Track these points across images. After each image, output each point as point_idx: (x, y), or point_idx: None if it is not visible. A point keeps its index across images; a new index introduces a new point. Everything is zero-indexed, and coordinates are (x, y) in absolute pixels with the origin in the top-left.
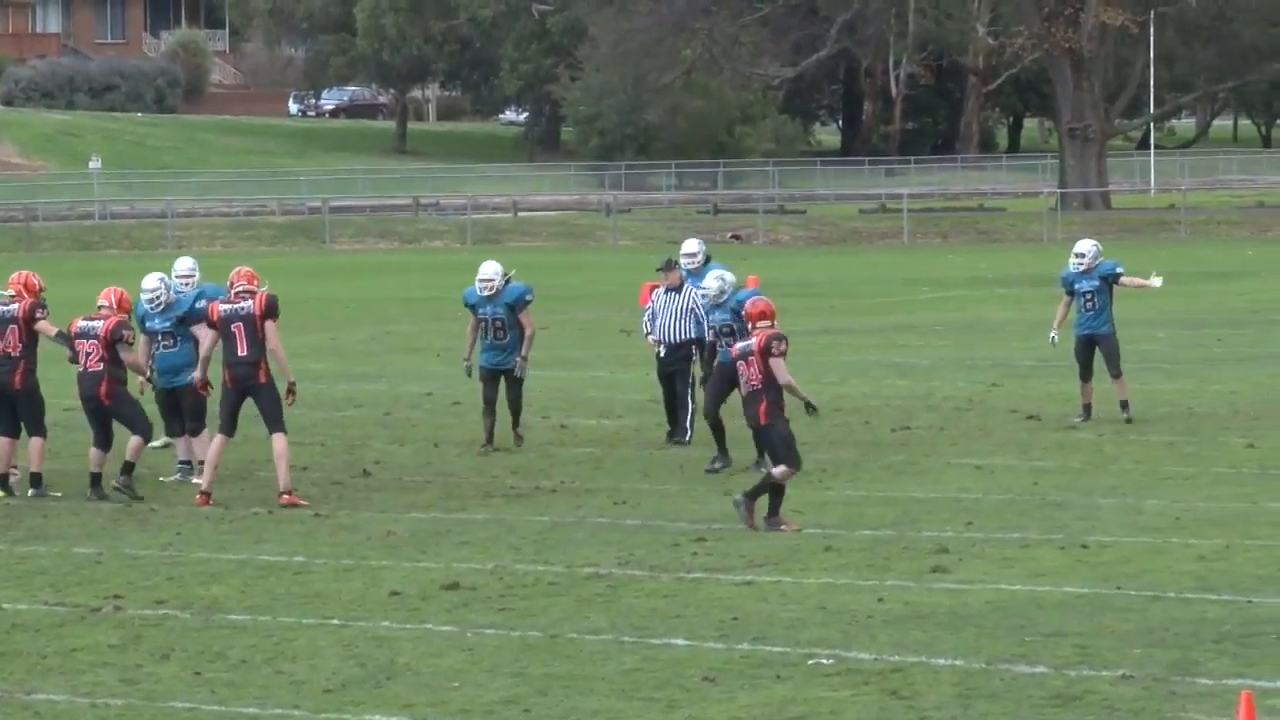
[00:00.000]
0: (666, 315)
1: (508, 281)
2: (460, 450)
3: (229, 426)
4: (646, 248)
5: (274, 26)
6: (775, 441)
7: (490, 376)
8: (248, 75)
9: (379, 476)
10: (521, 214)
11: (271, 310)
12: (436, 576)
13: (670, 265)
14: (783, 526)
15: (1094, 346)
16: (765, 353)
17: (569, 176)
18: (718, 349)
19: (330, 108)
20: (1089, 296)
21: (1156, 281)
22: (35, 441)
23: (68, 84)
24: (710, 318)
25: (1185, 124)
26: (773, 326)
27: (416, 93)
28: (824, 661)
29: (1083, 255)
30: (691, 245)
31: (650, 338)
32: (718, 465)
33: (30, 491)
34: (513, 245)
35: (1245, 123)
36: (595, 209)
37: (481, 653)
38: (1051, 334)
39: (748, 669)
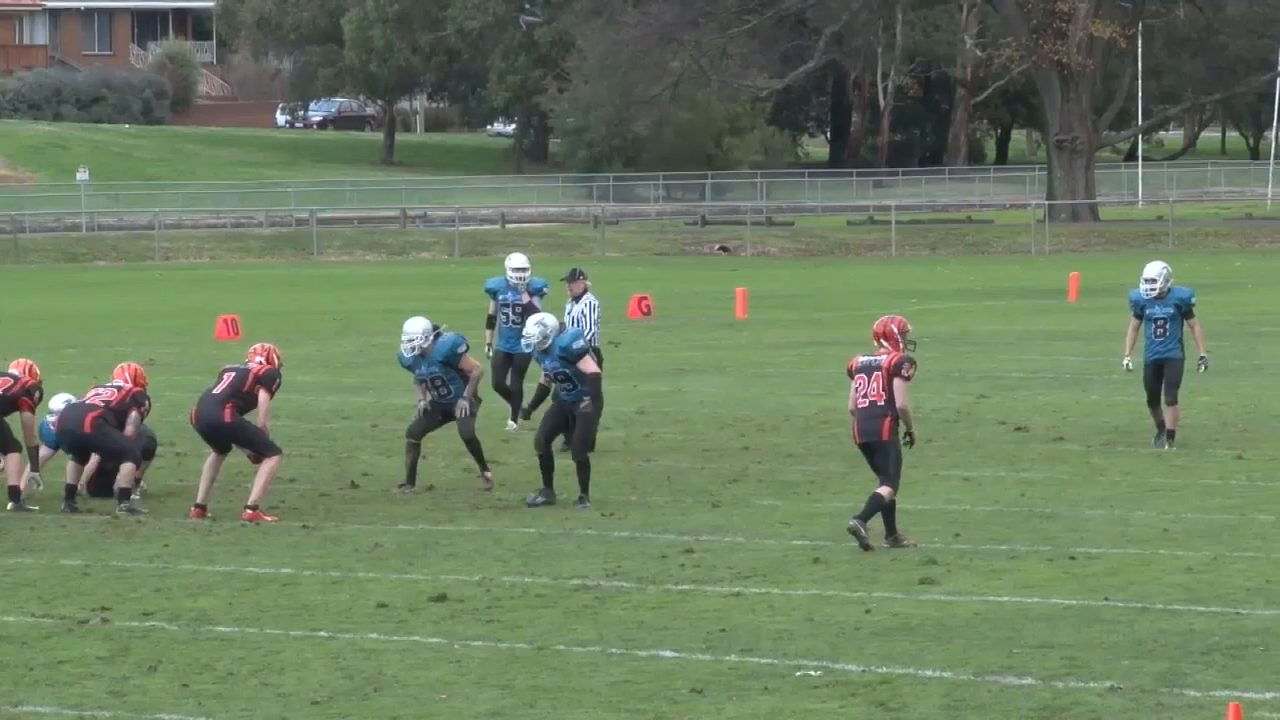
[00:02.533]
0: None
1: (437, 336)
2: (448, 462)
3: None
4: (635, 259)
5: (261, 38)
6: (892, 459)
7: (434, 409)
8: (235, 87)
9: (366, 488)
10: (509, 226)
11: (269, 381)
12: (424, 588)
13: (575, 275)
14: (905, 543)
15: (1162, 371)
16: (894, 373)
17: (557, 188)
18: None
19: (318, 119)
20: (1160, 323)
21: (1200, 359)
22: (13, 457)
23: (55, 95)
24: (543, 364)
25: (1173, 136)
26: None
27: (404, 104)
28: (812, 673)
29: (1154, 280)
30: (520, 260)
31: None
32: (540, 500)
33: (10, 505)
34: (500, 256)
35: (1233, 134)
36: (583, 220)
37: (469, 665)
38: (1125, 361)
39: (735, 680)
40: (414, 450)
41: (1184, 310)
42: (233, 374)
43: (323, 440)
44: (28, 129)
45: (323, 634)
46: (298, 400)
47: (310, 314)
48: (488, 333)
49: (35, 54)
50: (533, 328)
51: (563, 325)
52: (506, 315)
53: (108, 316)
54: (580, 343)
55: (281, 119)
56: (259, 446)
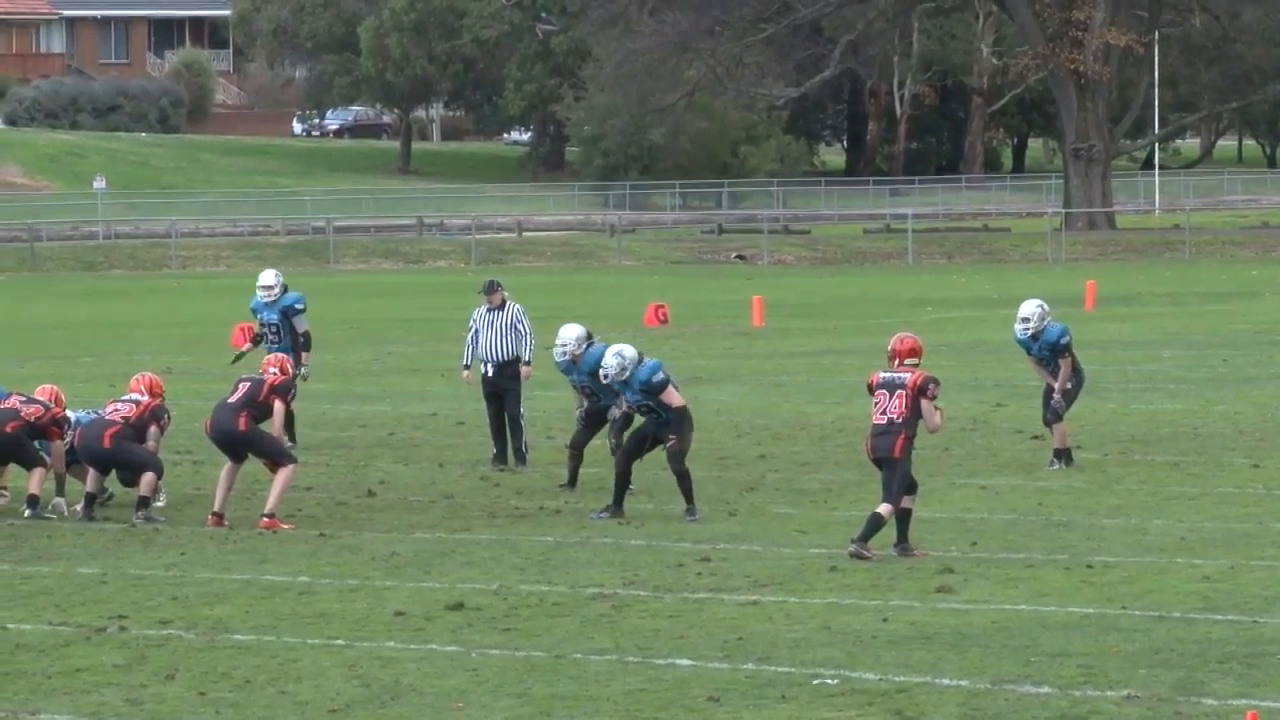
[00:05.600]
0: (490, 334)
1: (590, 344)
2: (464, 470)
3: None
4: (651, 268)
5: (278, 47)
6: (901, 476)
7: (589, 418)
8: (251, 95)
9: (383, 496)
10: (526, 234)
11: (284, 391)
12: (441, 597)
13: (493, 287)
14: (915, 553)
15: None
16: (920, 392)
17: (573, 196)
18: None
19: (334, 128)
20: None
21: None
22: (36, 470)
23: (71, 104)
24: (626, 399)
25: (1189, 144)
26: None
27: (420, 113)
28: (829, 681)
29: (1028, 320)
30: (266, 278)
31: (465, 372)
32: (606, 515)
33: (26, 513)
34: (517, 265)
35: (1250, 143)
36: (599, 229)
37: (486, 673)
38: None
39: (753, 689)
40: (575, 459)
41: (1056, 351)
42: (248, 384)
43: (339, 449)
44: (44, 138)
45: (340, 642)
46: (314, 409)
47: (326, 323)
48: (304, 355)
49: (52, 63)
50: (611, 359)
51: (641, 357)
52: (265, 334)
53: (124, 325)
54: (660, 376)
55: (298, 128)
56: (274, 455)
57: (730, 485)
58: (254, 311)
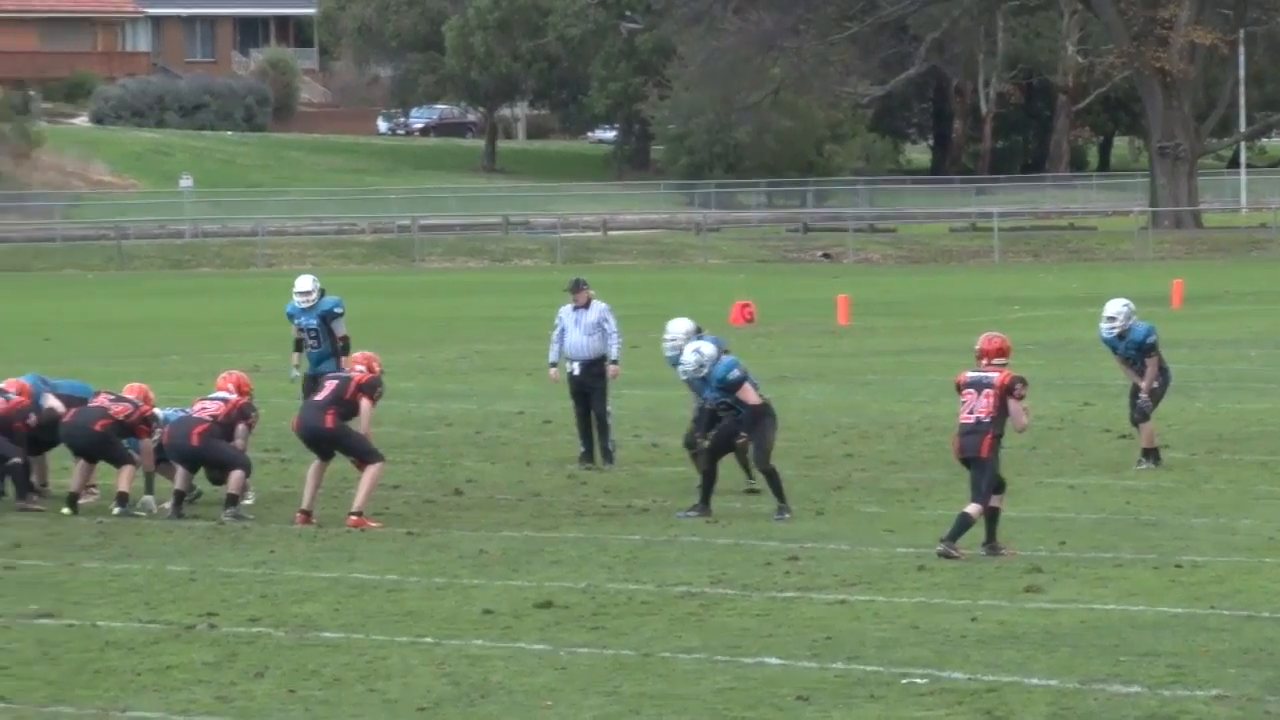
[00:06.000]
0: (576, 333)
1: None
2: (552, 469)
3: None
4: (737, 266)
5: (363, 45)
6: (989, 476)
7: (702, 415)
8: (337, 94)
9: (471, 495)
10: (611, 232)
11: (371, 389)
12: (529, 595)
13: (579, 285)
14: (1004, 552)
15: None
16: (1007, 392)
17: (658, 195)
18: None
19: (419, 126)
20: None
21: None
22: (126, 468)
23: (157, 102)
24: (705, 396)
25: (1276, 143)
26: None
27: (505, 111)
28: (918, 681)
29: (1114, 319)
30: (303, 283)
31: (552, 370)
32: (693, 514)
33: (116, 510)
34: (602, 264)
35: None
36: (685, 228)
37: (574, 671)
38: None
39: (841, 688)
40: (697, 458)
41: (1143, 350)
42: (335, 381)
43: (426, 447)
44: (131, 136)
45: (428, 640)
46: (400, 407)
47: (412, 321)
48: (295, 355)
49: (138, 61)
50: (689, 356)
51: (723, 352)
52: (305, 340)
53: (211, 323)
54: (735, 374)
55: (383, 126)
56: (362, 453)
57: (817, 484)
58: (290, 317)
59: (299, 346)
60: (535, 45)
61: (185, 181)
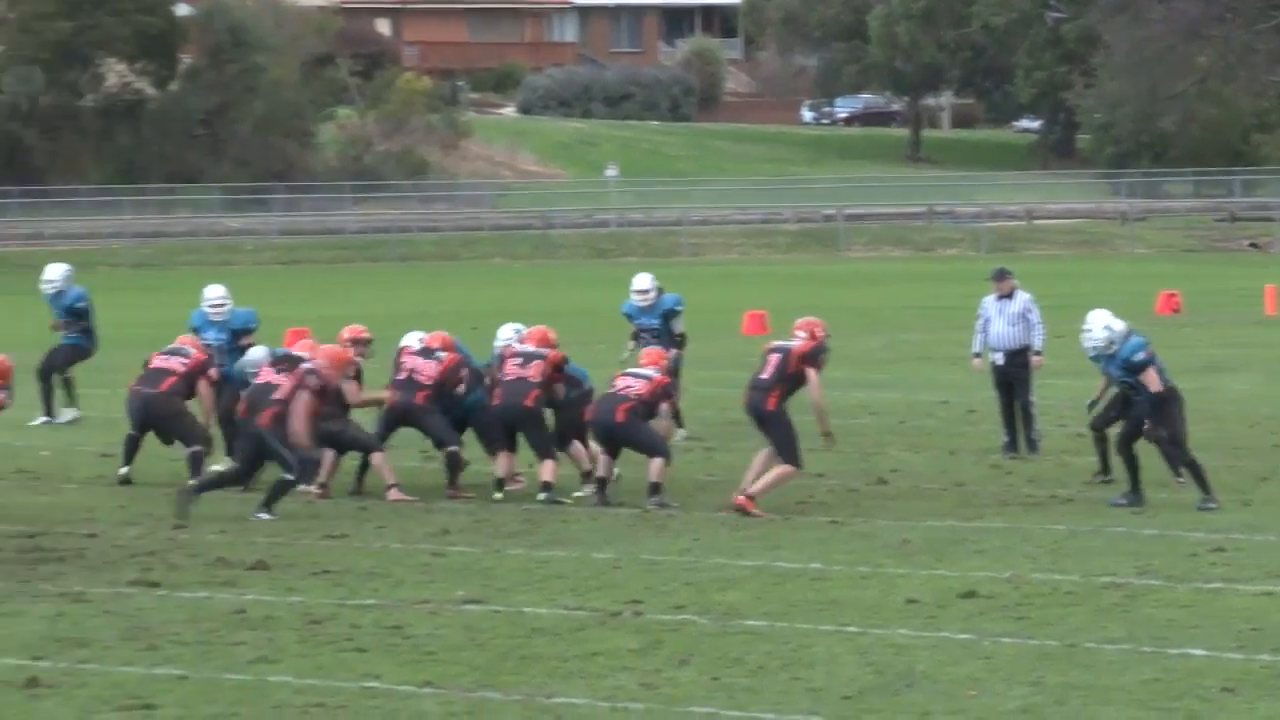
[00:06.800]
0: (1000, 322)
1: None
2: (975, 458)
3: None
4: (1163, 256)
5: (788, 35)
6: None
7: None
8: (761, 83)
9: (895, 484)
10: (1036, 222)
11: (813, 357)
12: (953, 584)
13: (1003, 275)
14: None
15: None
16: None
17: (1083, 184)
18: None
19: (844, 116)
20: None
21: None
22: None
23: (584, 92)
24: (1108, 372)
25: None
26: None
27: (930, 100)
28: None
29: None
30: (641, 281)
31: (976, 360)
32: (1123, 502)
33: (541, 496)
34: (1027, 253)
35: None
36: (1110, 217)
37: (998, 661)
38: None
39: (1268, 680)
40: (1100, 441)
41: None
42: (777, 355)
43: (850, 436)
44: (557, 126)
45: (852, 629)
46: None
47: (837, 310)
48: (630, 343)
49: (564, 51)
50: (1100, 332)
51: (1130, 332)
52: (645, 339)
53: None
54: (1141, 356)
55: (808, 115)
56: (781, 444)
57: (1244, 475)
58: (629, 317)
59: (636, 336)
60: (960, 34)
61: (611, 171)
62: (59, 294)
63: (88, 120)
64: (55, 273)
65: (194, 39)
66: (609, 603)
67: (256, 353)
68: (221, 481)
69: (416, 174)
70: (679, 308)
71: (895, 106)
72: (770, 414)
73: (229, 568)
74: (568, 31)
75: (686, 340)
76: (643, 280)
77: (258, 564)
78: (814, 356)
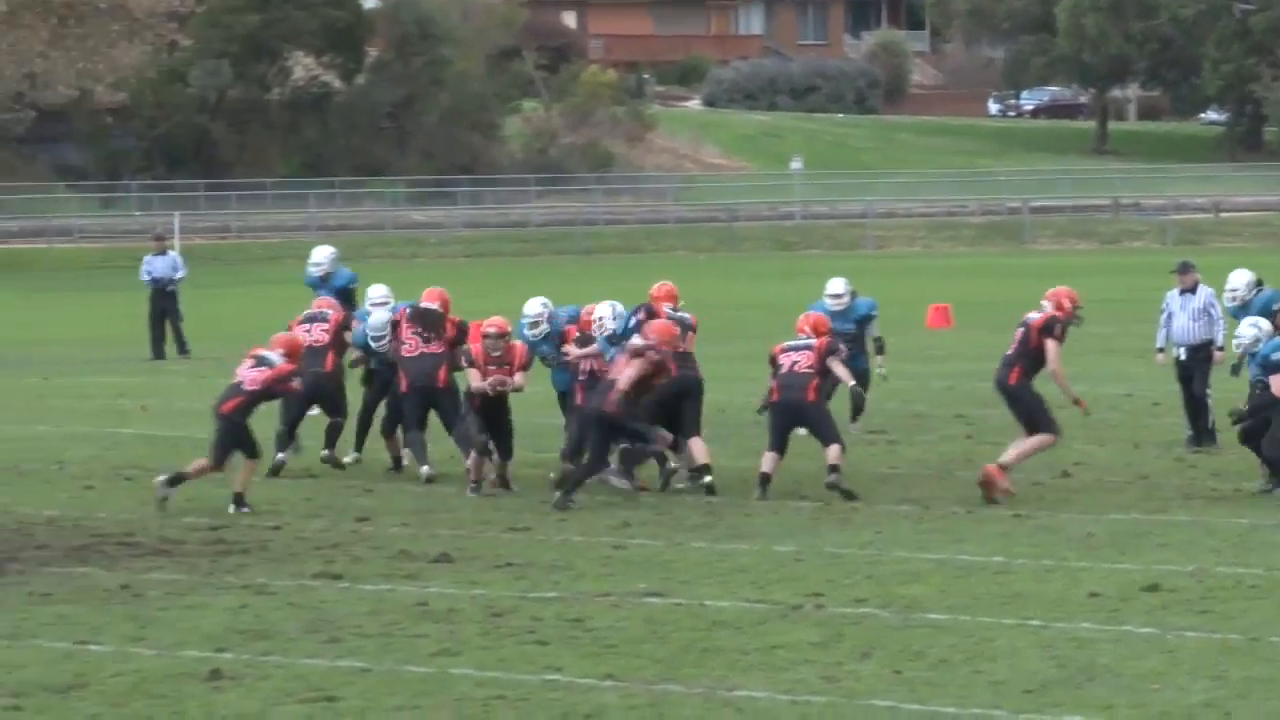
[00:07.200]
0: (1183, 317)
1: None
2: (1160, 451)
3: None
4: None
5: (974, 27)
6: None
7: None
8: (947, 76)
9: (1079, 477)
10: (1222, 214)
11: (1049, 329)
12: (1136, 578)
13: (1186, 268)
14: None
15: None
16: None
17: (1272, 177)
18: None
19: (1030, 108)
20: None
21: None
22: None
23: (769, 85)
24: (1250, 368)
25: None
26: None
27: (1116, 92)
28: None
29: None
30: (838, 285)
31: (1159, 354)
32: (1272, 487)
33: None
34: (1213, 246)
35: None
36: None
37: (1182, 655)
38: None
39: None
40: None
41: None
42: (1021, 329)
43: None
44: (742, 118)
45: (1035, 622)
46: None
47: (1023, 304)
48: None
49: (750, 44)
50: (1247, 330)
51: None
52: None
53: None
54: (1277, 356)
55: (993, 108)
56: (1032, 418)
57: None
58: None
59: None
60: (1147, 26)
61: (796, 163)
62: (326, 276)
63: (274, 113)
64: (322, 255)
65: (381, 32)
66: (790, 596)
67: (380, 315)
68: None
69: (601, 167)
70: (874, 313)
71: (1081, 99)
72: (1011, 389)
73: (412, 560)
74: (753, 24)
75: (885, 345)
76: (836, 284)
77: (441, 557)
78: (1051, 328)
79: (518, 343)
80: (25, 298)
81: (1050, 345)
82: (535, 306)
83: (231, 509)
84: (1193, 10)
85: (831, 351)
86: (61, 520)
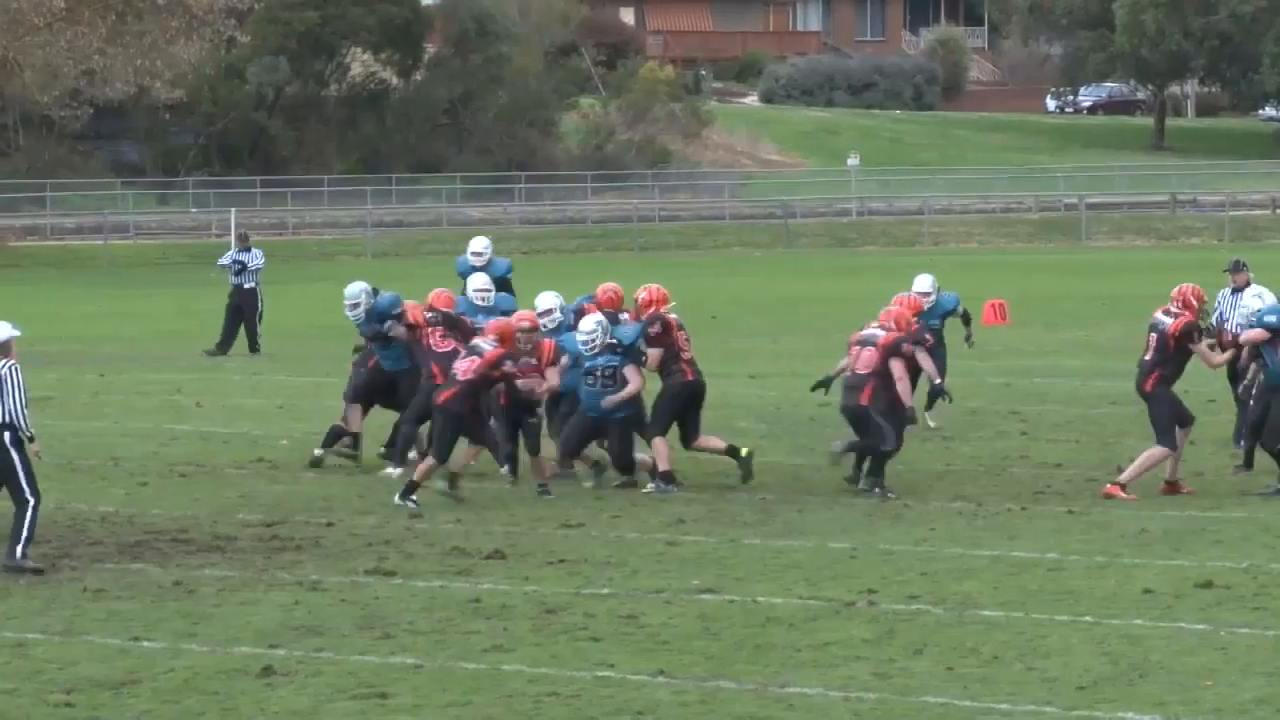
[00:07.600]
0: (1233, 316)
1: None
2: (1215, 448)
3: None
4: None
5: (1033, 23)
6: None
7: None
8: (1005, 72)
9: None
10: None
11: (1190, 337)
12: (1190, 575)
13: (1239, 266)
14: None
15: None
16: None
17: None
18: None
19: (1087, 104)
20: None
21: None
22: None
23: (827, 81)
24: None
25: None
26: None
27: (1175, 88)
28: None
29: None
30: (925, 283)
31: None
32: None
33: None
34: (1271, 243)
35: None
36: None
37: (1234, 652)
38: None
39: None
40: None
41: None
42: (1155, 335)
43: (1090, 425)
44: (799, 115)
45: (1087, 619)
46: (1065, 385)
47: (1078, 299)
48: None
49: (808, 40)
50: (1254, 300)
51: None
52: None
53: (876, 301)
54: None
55: (1051, 104)
56: (1159, 430)
57: None
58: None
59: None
60: (1206, 23)
61: (853, 160)
62: (488, 265)
63: (332, 110)
64: (481, 244)
65: (439, 28)
66: (844, 592)
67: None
68: None
69: (658, 163)
70: (958, 308)
71: (1139, 95)
72: (1147, 395)
73: (465, 557)
74: (811, 20)
75: (970, 316)
76: (924, 282)
77: (494, 553)
78: (1190, 334)
79: (546, 339)
80: (83, 294)
81: (1201, 351)
82: (549, 300)
83: (442, 485)
84: (1253, 6)
85: (894, 352)
86: (115, 517)
